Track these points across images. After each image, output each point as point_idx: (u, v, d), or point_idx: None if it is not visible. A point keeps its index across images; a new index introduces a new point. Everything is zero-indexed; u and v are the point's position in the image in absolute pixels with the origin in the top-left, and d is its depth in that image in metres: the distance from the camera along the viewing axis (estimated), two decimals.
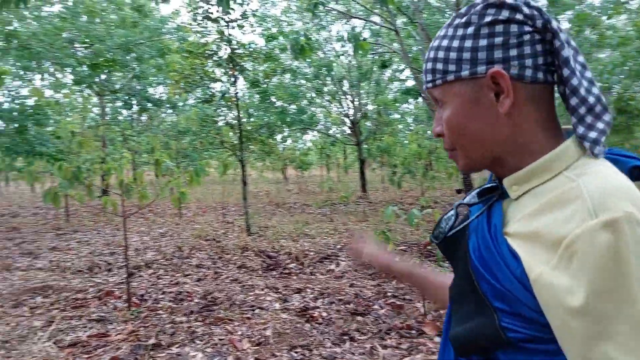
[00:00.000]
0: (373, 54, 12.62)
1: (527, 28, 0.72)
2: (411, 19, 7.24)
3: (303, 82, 14.76)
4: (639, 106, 7.57)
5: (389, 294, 4.69)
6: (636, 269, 0.58)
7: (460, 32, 0.75)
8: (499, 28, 0.72)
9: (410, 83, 14.96)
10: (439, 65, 0.77)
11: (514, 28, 0.72)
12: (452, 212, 0.88)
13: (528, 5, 0.72)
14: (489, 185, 0.84)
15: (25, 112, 9.31)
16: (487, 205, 0.80)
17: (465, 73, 0.74)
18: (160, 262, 6.18)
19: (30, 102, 10.43)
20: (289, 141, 23.78)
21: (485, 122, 0.75)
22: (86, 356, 3.41)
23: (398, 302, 4.38)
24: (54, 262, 6.22)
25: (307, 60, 13.35)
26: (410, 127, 20.89)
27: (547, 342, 0.66)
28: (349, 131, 16.31)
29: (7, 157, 9.40)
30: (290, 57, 13.44)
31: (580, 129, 0.72)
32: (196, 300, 4.62)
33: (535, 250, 0.66)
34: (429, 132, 13.83)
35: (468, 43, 0.74)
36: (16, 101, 9.97)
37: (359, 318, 4.06)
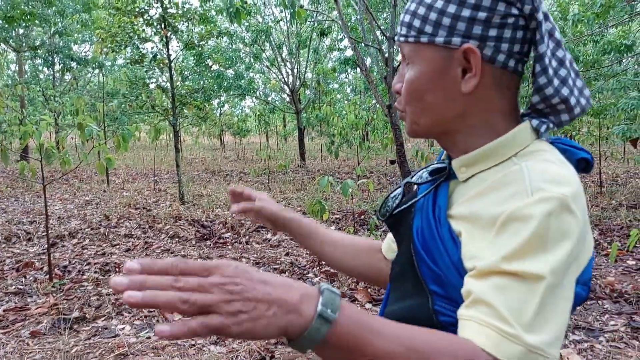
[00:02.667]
0: (312, 21, 12.42)
1: (514, 10, 0.68)
2: None
3: (241, 46, 14.33)
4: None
5: (323, 262, 4.74)
6: (555, 247, 0.59)
7: None
8: (486, 2, 0.68)
9: (349, 53, 14.92)
10: (416, 22, 0.72)
11: (501, 6, 0.68)
12: (399, 190, 0.86)
13: None
14: (438, 165, 0.82)
15: None
16: (434, 185, 0.78)
17: (439, 40, 0.70)
18: (86, 231, 5.89)
19: None
20: (226, 107, 23.25)
21: (444, 95, 0.71)
22: (3, 331, 3.21)
23: (332, 271, 4.44)
24: None
25: (245, 24, 12.93)
26: (349, 97, 20.96)
27: None
28: (288, 99, 16.12)
29: None
30: (226, 20, 12.97)
31: (535, 122, 0.71)
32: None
33: (475, 232, 0.65)
34: (366, 103, 13.93)
35: (452, 8, 0.69)
36: None
37: None
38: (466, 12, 0.68)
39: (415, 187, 0.85)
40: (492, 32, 0.68)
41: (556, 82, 0.69)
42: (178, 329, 0.48)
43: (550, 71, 0.69)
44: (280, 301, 0.51)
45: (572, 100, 0.70)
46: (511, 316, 0.56)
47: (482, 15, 0.68)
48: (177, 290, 0.49)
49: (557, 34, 0.71)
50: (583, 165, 0.74)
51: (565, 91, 0.70)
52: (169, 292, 0.49)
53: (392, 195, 0.88)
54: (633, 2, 6.90)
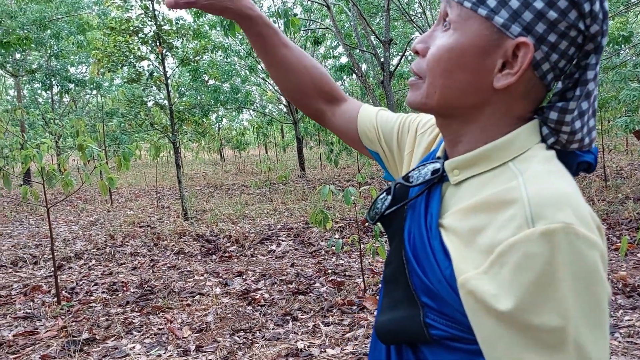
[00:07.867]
0: (305, 30, 12.47)
1: (580, 25, 0.61)
2: None
3: (236, 59, 14.39)
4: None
5: (330, 271, 4.72)
6: (570, 284, 0.54)
7: None
8: (562, 4, 0.59)
9: (345, 59, 14.97)
10: None
11: (572, 14, 0.60)
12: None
13: (600, 1, 0.61)
14: (431, 164, 0.75)
15: None
16: (427, 186, 0.72)
17: (498, 19, 0.61)
18: (92, 252, 5.89)
19: None
20: (225, 121, 23.30)
21: (473, 79, 0.64)
22: (13, 357, 3.20)
23: (339, 279, 4.43)
24: None
25: (239, 37, 13.00)
26: None
27: (471, 342, 0.62)
28: (285, 110, 16.15)
29: None
30: (220, 34, 13.04)
31: (545, 129, 0.66)
32: (132, 290, 4.44)
33: (468, 251, 0.61)
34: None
35: None
36: None
37: (301, 297, 4.06)
38: (538, 4, 0.60)
39: (407, 187, 0.78)
40: (552, 38, 0.61)
41: (576, 112, 0.63)
42: None
43: (582, 99, 0.64)
44: None
45: (578, 135, 0.65)
46: None
47: (551, 14, 0.60)
48: None
49: (598, 68, 0.64)
50: (585, 166, 0.69)
51: (577, 124, 0.64)
52: None
53: (380, 197, 0.81)
54: None
